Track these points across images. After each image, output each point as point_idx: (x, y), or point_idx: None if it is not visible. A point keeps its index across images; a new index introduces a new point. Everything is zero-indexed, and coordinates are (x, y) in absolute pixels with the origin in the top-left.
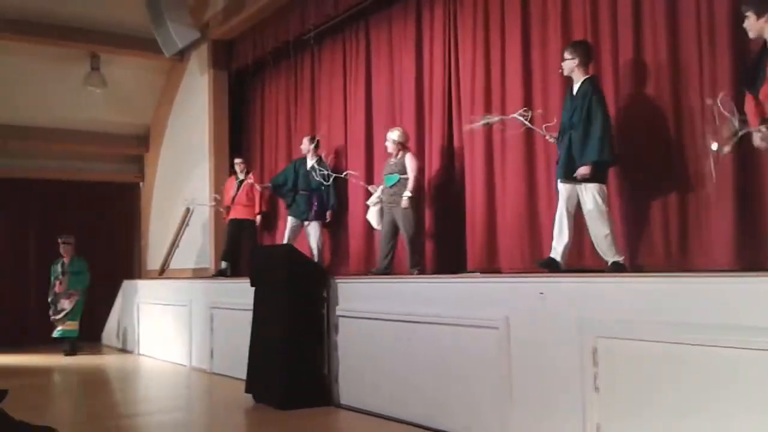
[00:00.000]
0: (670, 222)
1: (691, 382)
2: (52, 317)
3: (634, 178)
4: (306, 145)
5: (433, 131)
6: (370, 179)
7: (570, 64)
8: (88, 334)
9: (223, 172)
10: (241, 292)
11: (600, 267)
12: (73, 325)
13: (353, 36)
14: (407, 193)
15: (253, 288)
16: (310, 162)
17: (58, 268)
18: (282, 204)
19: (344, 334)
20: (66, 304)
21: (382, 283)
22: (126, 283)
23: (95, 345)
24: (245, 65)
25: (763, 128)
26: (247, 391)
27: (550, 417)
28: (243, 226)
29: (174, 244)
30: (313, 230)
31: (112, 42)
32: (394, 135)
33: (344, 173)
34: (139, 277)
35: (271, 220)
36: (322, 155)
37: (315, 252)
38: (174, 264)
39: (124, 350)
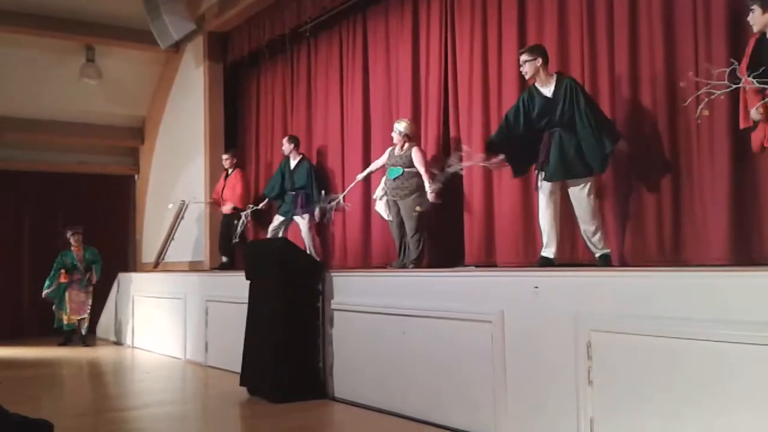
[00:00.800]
0: (663, 217)
1: (685, 375)
2: (62, 311)
3: (627, 173)
4: (287, 147)
5: (429, 124)
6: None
7: (533, 65)
8: None
9: (218, 164)
10: (236, 285)
11: (593, 260)
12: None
13: (350, 29)
14: (430, 187)
15: (248, 281)
16: (294, 162)
17: (68, 259)
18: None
19: (339, 328)
20: (83, 296)
21: (377, 277)
22: (121, 276)
23: (90, 337)
24: (241, 58)
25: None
26: (242, 384)
27: (544, 410)
28: (231, 221)
29: (169, 237)
30: (303, 224)
31: (107, 34)
32: (401, 126)
33: (339, 199)
34: (134, 269)
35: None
36: (304, 153)
37: (307, 244)
38: (169, 257)
39: (118, 343)
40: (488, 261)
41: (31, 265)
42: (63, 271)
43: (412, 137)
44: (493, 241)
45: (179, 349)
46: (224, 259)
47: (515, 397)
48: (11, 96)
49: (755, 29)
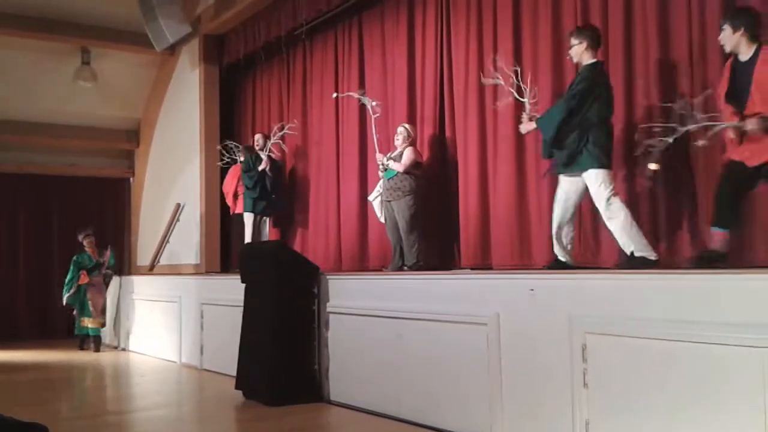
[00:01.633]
0: (659, 218)
1: (680, 378)
2: (85, 316)
3: (623, 174)
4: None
5: (424, 126)
6: (363, 175)
7: (578, 49)
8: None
9: (213, 167)
10: (232, 288)
11: (586, 262)
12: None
13: (345, 31)
14: (393, 164)
15: (244, 284)
16: (263, 167)
17: (85, 260)
18: None
19: (334, 331)
20: (99, 299)
21: (372, 280)
22: (116, 279)
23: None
24: (237, 60)
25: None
26: (237, 387)
27: (539, 412)
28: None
29: (164, 240)
30: (266, 225)
31: (103, 36)
32: (405, 130)
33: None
34: (130, 272)
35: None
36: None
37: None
38: (164, 260)
39: (114, 346)
40: (484, 263)
41: (26, 267)
42: (84, 272)
43: (414, 140)
44: (489, 244)
45: (174, 353)
46: None
47: (510, 400)
48: (6, 98)
49: (726, 49)
